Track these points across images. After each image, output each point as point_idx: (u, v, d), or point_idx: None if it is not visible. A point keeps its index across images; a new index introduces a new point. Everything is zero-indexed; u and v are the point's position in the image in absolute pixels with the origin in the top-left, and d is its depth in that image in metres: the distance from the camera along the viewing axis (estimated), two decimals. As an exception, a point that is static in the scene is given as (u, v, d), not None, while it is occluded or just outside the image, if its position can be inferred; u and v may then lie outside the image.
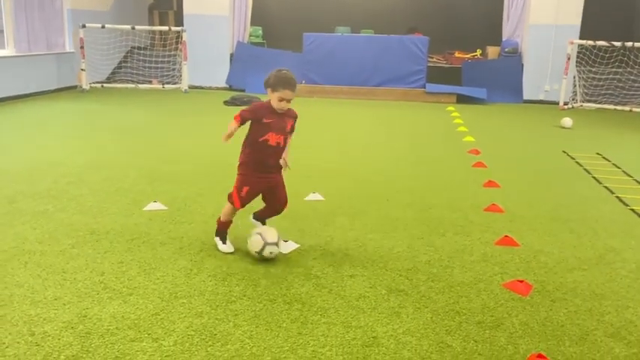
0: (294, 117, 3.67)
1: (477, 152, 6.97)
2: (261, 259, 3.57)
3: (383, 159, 6.60)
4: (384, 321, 2.92)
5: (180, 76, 12.48)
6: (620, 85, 11.96)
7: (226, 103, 10.72)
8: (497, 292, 3.30)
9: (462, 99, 11.89)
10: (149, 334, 2.70)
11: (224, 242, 3.75)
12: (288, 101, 3.48)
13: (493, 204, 4.83)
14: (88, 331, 2.72)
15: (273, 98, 3.47)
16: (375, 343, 2.71)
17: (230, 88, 12.82)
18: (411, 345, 2.70)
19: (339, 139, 7.74)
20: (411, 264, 3.66)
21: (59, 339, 2.64)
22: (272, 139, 3.52)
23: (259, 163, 3.58)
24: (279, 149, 3.60)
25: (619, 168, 6.46)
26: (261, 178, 3.61)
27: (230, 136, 3.42)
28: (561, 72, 11.62)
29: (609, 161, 6.80)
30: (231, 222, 3.78)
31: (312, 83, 12.40)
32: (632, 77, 11.97)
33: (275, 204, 3.76)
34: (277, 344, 2.67)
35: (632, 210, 4.91)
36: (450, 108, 11.08)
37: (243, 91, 12.32)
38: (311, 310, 3.00)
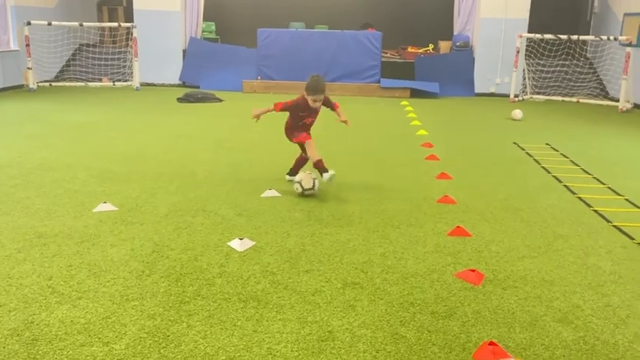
0: (324, 102, 5.05)
1: (430, 145, 7.07)
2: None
3: (336, 154, 6.61)
4: (340, 315, 2.93)
5: (132, 73, 12.22)
6: (567, 77, 12.34)
7: (180, 100, 10.55)
8: (450, 282, 3.35)
9: (415, 93, 12.04)
10: (99, 339, 2.63)
11: (326, 171, 4.85)
12: (320, 100, 4.94)
13: (446, 195, 4.91)
14: (35, 337, 2.63)
15: (309, 99, 4.88)
16: (330, 337, 2.72)
17: (184, 85, 12.63)
18: (366, 338, 2.72)
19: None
20: (366, 257, 3.68)
21: (4, 347, 2.54)
22: (308, 120, 5.06)
23: (299, 128, 5.08)
24: (312, 124, 5.14)
25: (567, 157, 6.67)
26: (305, 129, 5.10)
27: (260, 115, 5.03)
28: (511, 65, 11.91)
29: (557, 151, 7.01)
30: (321, 157, 4.96)
31: (268, 79, 12.34)
32: (578, 69, 12.37)
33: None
34: (232, 343, 2.64)
35: (580, 198, 5.07)
36: (404, 102, 11.21)
37: (197, 87, 12.15)
38: (266, 308, 2.98)
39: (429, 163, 6.27)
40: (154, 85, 12.63)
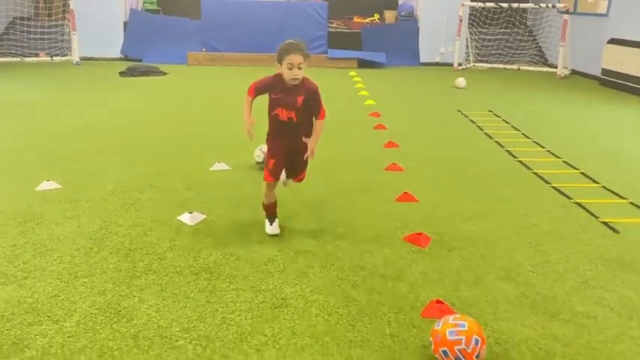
0: (309, 91, 3.38)
1: (378, 115, 7.15)
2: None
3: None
4: (293, 282, 2.98)
5: (70, 47, 11.73)
6: (509, 45, 12.64)
7: (122, 74, 10.24)
8: (398, 245, 3.45)
9: (362, 63, 12.07)
10: (49, 317, 2.59)
11: (270, 223, 3.57)
12: (299, 67, 3.26)
13: (393, 163, 5.01)
14: (-20, 320, 2.56)
15: (283, 70, 3.30)
16: (284, 304, 2.77)
17: (126, 59, 12.22)
18: (318, 302, 2.78)
19: (240, 107, 7.62)
20: (318, 225, 3.74)
21: (-53, 331, 2.47)
22: (282, 114, 3.40)
23: (278, 135, 3.48)
24: (294, 125, 3.42)
25: (508, 123, 6.88)
26: (283, 147, 3.47)
27: (248, 112, 3.45)
28: (454, 34, 12.08)
29: (499, 117, 7.22)
30: (274, 202, 3.57)
31: (213, 51, 12.10)
32: (518, 37, 12.67)
33: (290, 174, 3.67)
34: (185, 315, 2.65)
35: (520, 162, 5.26)
36: (352, 73, 11.23)
37: (140, 61, 11.79)
38: (219, 279, 3.00)
39: (377, 132, 6.35)
40: (95, 59, 12.17)
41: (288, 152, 3.48)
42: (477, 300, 2.86)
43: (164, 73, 10.48)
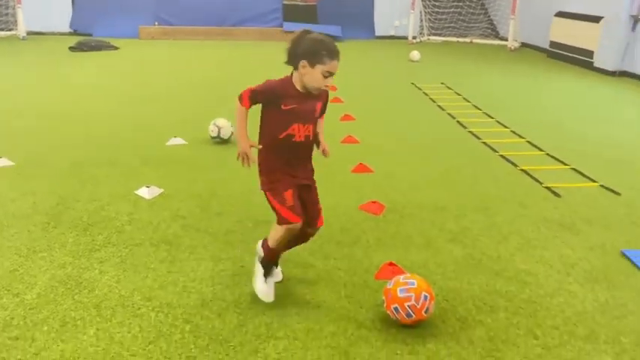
0: (326, 96, 2.58)
1: (334, 89, 7.22)
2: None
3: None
4: (253, 251, 3.03)
5: (15, 21, 11.31)
6: (462, 18, 12.84)
7: (72, 49, 9.97)
8: (354, 214, 3.57)
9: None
10: (8, 290, 2.61)
11: (265, 277, 2.61)
12: (332, 77, 2.40)
13: (349, 136, 5.12)
14: (-63, 296, 2.56)
15: (312, 75, 2.37)
16: (244, 271, 2.86)
17: (75, 33, 11.88)
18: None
19: (198, 81, 7.59)
20: (275, 197, 3.81)
21: None
22: (298, 133, 2.46)
23: (285, 165, 2.52)
24: (309, 145, 2.55)
25: (460, 95, 7.07)
26: (292, 184, 2.53)
27: (244, 130, 2.51)
28: (409, 7, 12.19)
29: (452, 89, 7.41)
30: (279, 252, 2.66)
31: (166, 24, 11.88)
32: (470, 10, 12.88)
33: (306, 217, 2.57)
34: (146, 284, 2.72)
35: (471, 132, 5.46)
36: (308, 46, 11.22)
37: (90, 35, 11.49)
38: (179, 250, 3.06)
39: (332, 105, 6.40)
40: (42, 33, 11.77)
41: (298, 189, 2.54)
42: (427, 262, 3.01)
43: (116, 48, 10.26)
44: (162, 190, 3.83)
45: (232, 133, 4.89)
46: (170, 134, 5.01)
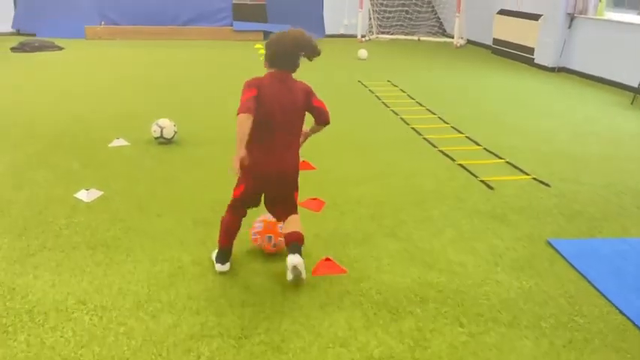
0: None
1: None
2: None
3: (187, 100, 6.58)
4: (191, 251, 3.09)
5: (-47, 21, 10.90)
6: (409, 16, 13.06)
7: (14, 49, 9.68)
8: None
9: (268, 36, 12.06)
10: (-64, 300, 2.57)
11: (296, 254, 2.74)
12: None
13: (293, 134, 5.16)
14: None
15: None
16: (181, 272, 2.88)
17: (18, 33, 11.52)
18: (214, 269, 2.91)
19: (144, 82, 7.50)
20: (218, 196, 3.80)
21: None
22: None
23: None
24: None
25: (404, 92, 7.22)
26: None
27: (243, 142, 2.55)
28: (357, 6, 12.33)
29: (397, 87, 7.55)
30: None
31: (112, 24, 11.66)
32: (417, 9, 13.11)
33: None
34: (82, 288, 2.71)
35: (413, 128, 5.59)
36: (258, 45, 11.20)
37: (33, 35, 11.17)
38: (117, 252, 3.06)
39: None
40: (-18, 33, 11.40)
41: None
42: (363, 256, 3.10)
43: (60, 48, 10.02)
44: (102, 193, 3.80)
45: (175, 132, 4.88)
46: (113, 135, 4.96)
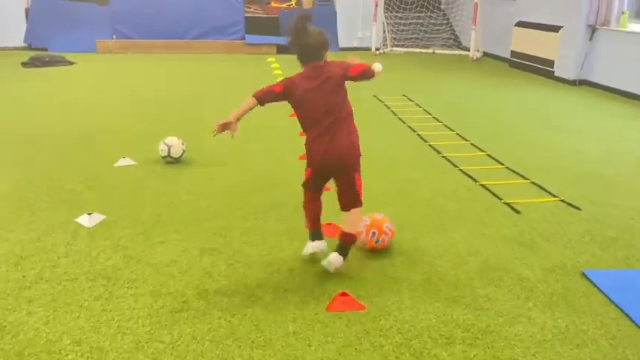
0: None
1: (294, 102, 7.07)
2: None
3: (198, 115, 6.41)
4: (195, 283, 2.87)
5: (-35, 36, 10.89)
6: (423, 29, 12.87)
7: (25, 64, 9.62)
8: (307, 238, 3.39)
9: (281, 49, 11.94)
10: None
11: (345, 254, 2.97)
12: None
13: (307, 152, 4.95)
14: None
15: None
16: (185, 307, 2.66)
17: (30, 48, 11.49)
18: (221, 304, 2.69)
19: (153, 97, 7.35)
20: (226, 221, 3.63)
21: None
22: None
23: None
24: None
25: (421, 107, 6.99)
26: None
27: (237, 114, 3.01)
28: (371, 18, 12.15)
29: (413, 102, 7.33)
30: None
31: (125, 38, 11.59)
32: (432, 21, 12.92)
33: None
34: (78, 325, 2.50)
35: (430, 145, 5.36)
36: (271, 59, 11.09)
37: (45, 50, 11.12)
38: (117, 284, 2.85)
39: (292, 120, 6.26)
40: (-6, 48, 11.39)
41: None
42: (382, 289, 2.86)
43: (71, 63, 9.94)
44: (104, 217, 3.61)
45: (183, 151, 4.69)
46: (119, 154, 4.79)
